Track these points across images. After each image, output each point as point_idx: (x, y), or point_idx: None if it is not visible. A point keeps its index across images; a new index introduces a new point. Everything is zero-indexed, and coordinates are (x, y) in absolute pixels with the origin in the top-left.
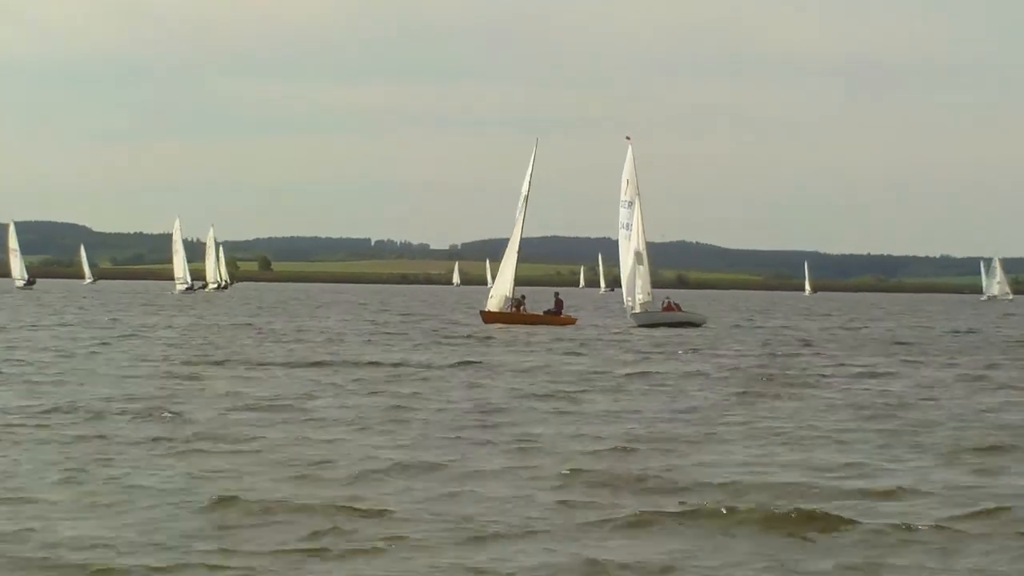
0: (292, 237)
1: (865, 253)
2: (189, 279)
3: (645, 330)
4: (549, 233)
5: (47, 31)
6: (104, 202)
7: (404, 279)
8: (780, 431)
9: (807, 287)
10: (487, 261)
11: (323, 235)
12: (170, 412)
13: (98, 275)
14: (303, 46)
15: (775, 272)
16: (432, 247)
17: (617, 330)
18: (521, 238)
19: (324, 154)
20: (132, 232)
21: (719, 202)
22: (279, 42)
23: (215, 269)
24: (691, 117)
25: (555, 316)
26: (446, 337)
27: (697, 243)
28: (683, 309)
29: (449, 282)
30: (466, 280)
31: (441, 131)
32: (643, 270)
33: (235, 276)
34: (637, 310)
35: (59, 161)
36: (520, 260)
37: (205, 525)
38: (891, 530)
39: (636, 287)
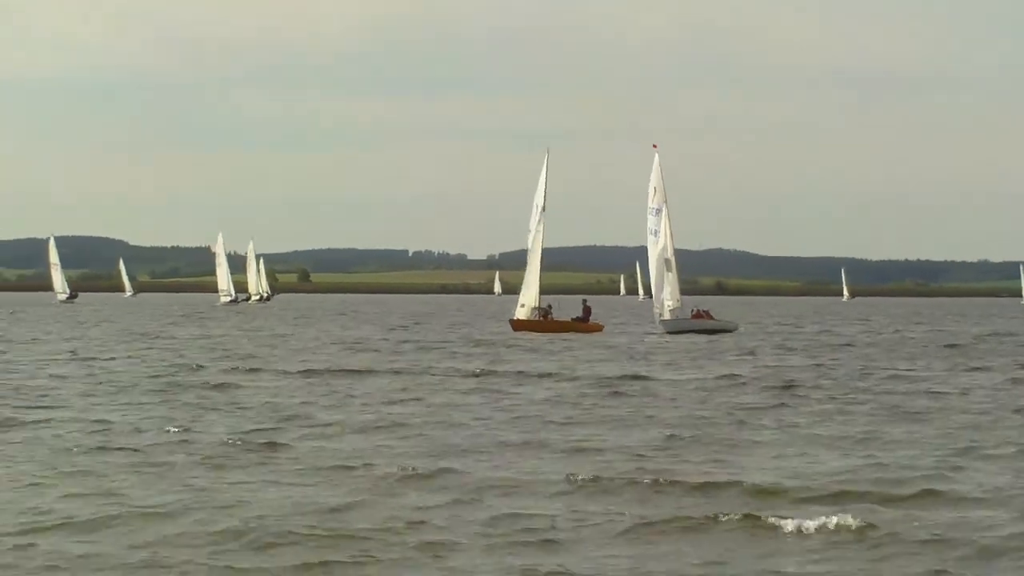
0: (330, 249)
1: (903, 259)
2: (233, 291)
3: (674, 337)
4: (589, 243)
5: (81, 48)
6: (141, 217)
7: (443, 289)
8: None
9: (845, 292)
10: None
11: (361, 247)
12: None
13: (137, 288)
14: (339, 59)
15: (814, 278)
16: (470, 257)
17: (650, 336)
18: (543, 247)
19: (361, 167)
20: (169, 246)
21: (756, 209)
22: (314, 56)
23: (256, 281)
24: (724, 125)
25: (582, 323)
26: (479, 343)
27: (735, 250)
28: (713, 316)
29: (489, 291)
30: (507, 289)
31: (477, 142)
32: (672, 277)
33: (274, 288)
34: (667, 317)
35: (95, 177)
36: (560, 269)
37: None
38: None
39: (665, 293)
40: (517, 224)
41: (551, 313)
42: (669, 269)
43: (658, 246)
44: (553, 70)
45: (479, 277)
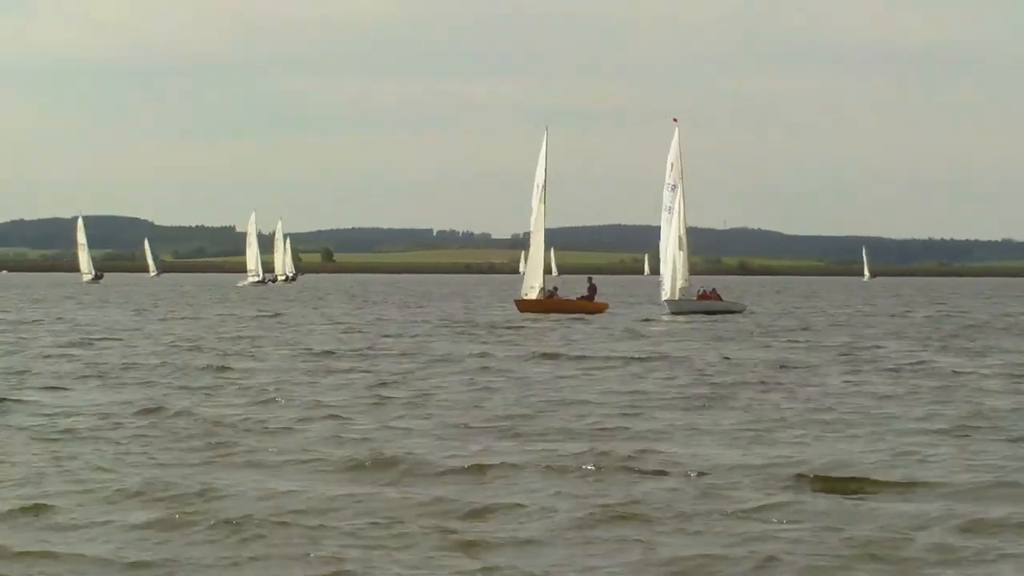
0: (354, 228)
1: (926, 238)
2: (260, 271)
3: (680, 318)
4: (613, 221)
5: (111, 30)
6: (165, 196)
7: (468, 269)
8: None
9: (866, 272)
10: (551, 250)
11: (385, 226)
12: None
13: (162, 268)
14: (362, 43)
15: (838, 258)
16: (494, 236)
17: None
18: (558, 226)
19: (384, 147)
20: (193, 225)
21: (780, 189)
22: (339, 39)
23: (283, 261)
24: (752, 104)
25: (588, 302)
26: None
27: (759, 229)
28: (721, 296)
29: (515, 271)
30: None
31: (499, 121)
32: (682, 255)
33: (299, 268)
34: (673, 296)
35: (121, 157)
36: (583, 249)
37: None
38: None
39: (673, 272)
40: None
41: (556, 293)
42: (680, 248)
43: (672, 223)
44: (582, 50)
45: (503, 256)
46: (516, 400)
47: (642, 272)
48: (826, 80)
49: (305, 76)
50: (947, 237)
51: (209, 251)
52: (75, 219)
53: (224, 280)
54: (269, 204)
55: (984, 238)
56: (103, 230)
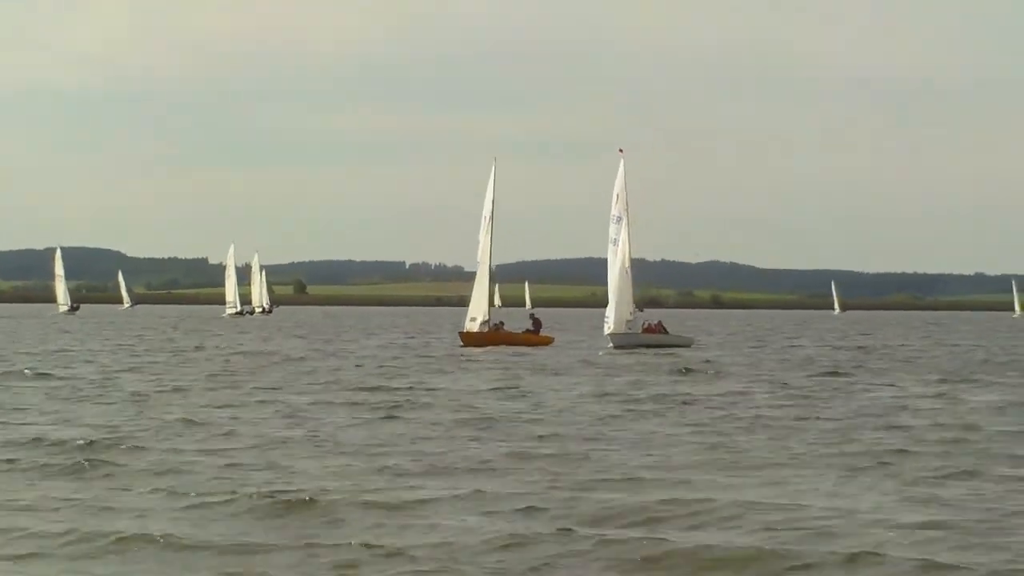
0: (327, 261)
1: (899, 271)
2: (239, 304)
3: (621, 352)
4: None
5: (85, 59)
6: (137, 228)
7: (439, 302)
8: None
9: (836, 306)
10: (526, 283)
11: (358, 258)
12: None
13: (135, 300)
14: (336, 74)
15: (812, 291)
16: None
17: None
18: (491, 261)
19: (357, 180)
20: (166, 257)
21: (752, 222)
22: (313, 70)
23: (260, 293)
24: (721, 137)
25: (533, 335)
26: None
27: (731, 263)
28: (667, 330)
29: (490, 304)
30: (506, 303)
31: (471, 156)
32: (628, 288)
33: (273, 300)
34: (616, 330)
35: (93, 188)
36: (569, 283)
37: None
38: None
39: (617, 307)
40: (513, 236)
41: (502, 327)
42: (624, 280)
43: (617, 255)
44: (559, 82)
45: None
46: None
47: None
48: (799, 113)
49: (278, 108)
50: (919, 271)
51: (183, 283)
52: (48, 250)
53: (203, 312)
54: (242, 236)
55: (956, 272)
56: (75, 261)
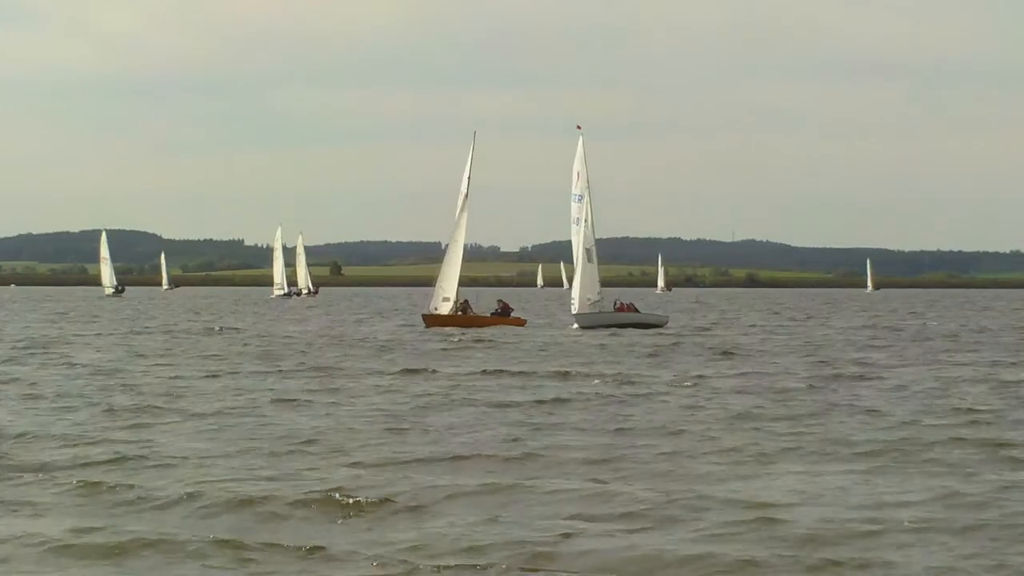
0: (362, 242)
1: (935, 249)
2: (286, 285)
3: (588, 332)
4: (622, 235)
5: (119, 45)
6: (173, 210)
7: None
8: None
9: (869, 284)
10: (561, 263)
11: (393, 239)
12: None
13: (173, 282)
14: (370, 55)
15: (848, 269)
16: (503, 249)
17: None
18: (467, 240)
19: (393, 160)
20: (202, 239)
21: (789, 200)
22: (347, 51)
23: (304, 275)
24: (760, 117)
25: (503, 318)
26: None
27: (767, 241)
28: (638, 310)
29: (526, 284)
30: (548, 282)
31: (508, 135)
32: (592, 268)
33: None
34: (583, 310)
35: (128, 171)
36: (596, 262)
37: None
38: None
39: (583, 285)
40: (549, 216)
41: (470, 308)
42: (589, 260)
43: (580, 235)
44: (591, 62)
45: (510, 269)
46: None
47: (652, 285)
48: (837, 91)
49: (314, 88)
50: (955, 249)
51: (218, 265)
52: (83, 233)
53: (252, 293)
54: (276, 217)
55: (993, 249)
56: (112, 244)
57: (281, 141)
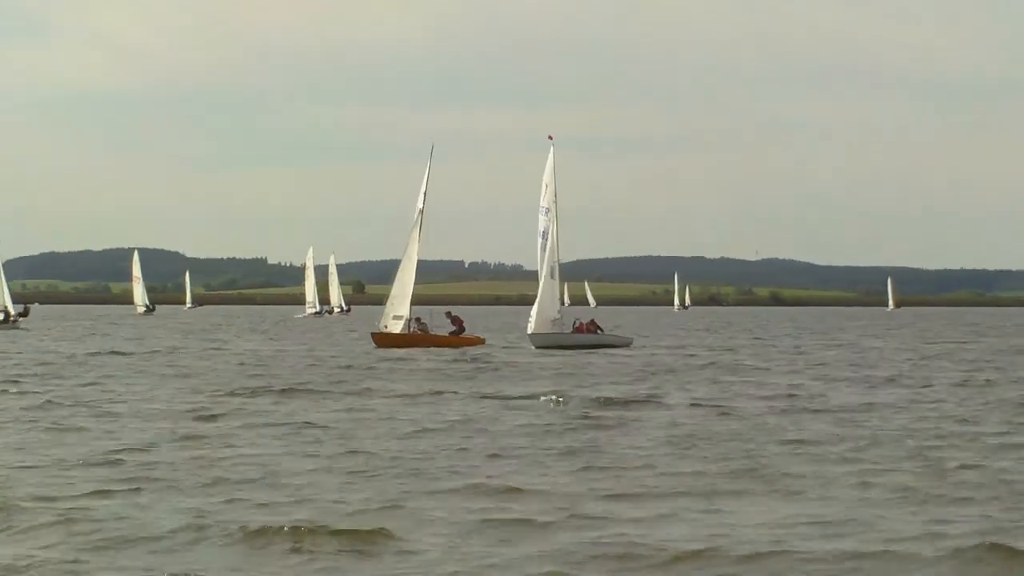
0: (385, 260)
1: (959, 267)
2: (317, 304)
3: (543, 352)
4: (644, 253)
5: (141, 61)
6: (196, 228)
7: (498, 300)
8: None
9: (890, 302)
10: (585, 282)
11: (417, 257)
12: None
13: (196, 301)
14: (391, 72)
15: (871, 287)
16: (526, 268)
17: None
18: (419, 257)
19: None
20: (224, 257)
21: (812, 218)
22: (371, 68)
23: (337, 294)
24: (782, 131)
25: (457, 337)
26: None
27: (791, 260)
28: (601, 329)
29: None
30: (574, 301)
31: (531, 153)
32: (553, 284)
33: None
34: (539, 330)
35: (150, 188)
36: (615, 280)
37: None
38: None
39: (548, 304)
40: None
41: (427, 327)
42: (552, 276)
43: (546, 250)
44: (606, 76)
45: (535, 287)
46: None
47: (672, 303)
48: (862, 106)
49: (333, 105)
50: (979, 267)
51: (241, 283)
52: (106, 251)
53: (284, 311)
54: (300, 235)
55: (1017, 268)
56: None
57: (305, 158)
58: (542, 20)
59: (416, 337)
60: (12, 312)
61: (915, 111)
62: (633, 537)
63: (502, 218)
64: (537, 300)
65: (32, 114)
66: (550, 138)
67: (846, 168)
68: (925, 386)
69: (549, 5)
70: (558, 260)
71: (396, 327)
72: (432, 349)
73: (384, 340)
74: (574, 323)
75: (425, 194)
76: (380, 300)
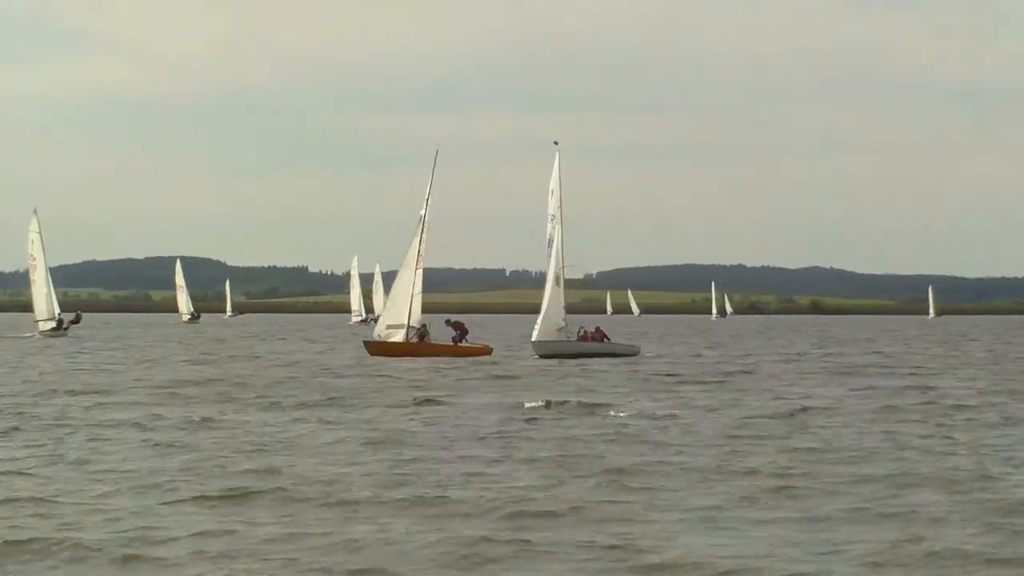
0: (426, 268)
1: (1000, 276)
2: (364, 312)
3: (547, 361)
4: (684, 261)
5: (181, 69)
6: (237, 236)
7: (537, 309)
8: None
9: (931, 311)
10: (628, 291)
11: (457, 266)
12: None
13: (237, 309)
14: (428, 80)
15: (912, 295)
16: (567, 276)
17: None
18: (422, 264)
19: (456, 186)
20: (266, 266)
21: (854, 226)
22: (405, 76)
23: (383, 302)
24: (823, 141)
25: (461, 345)
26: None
27: (831, 268)
28: (607, 337)
29: (600, 311)
30: (617, 309)
31: (571, 160)
32: (559, 292)
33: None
34: (543, 338)
35: (195, 196)
36: (655, 288)
37: None
38: None
39: (553, 312)
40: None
41: (428, 335)
42: (557, 284)
43: (552, 258)
44: (642, 84)
45: (576, 296)
46: None
47: (710, 312)
48: (901, 114)
49: (375, 113)
50: (1019, 275)
51: (282, 291)
52: (147, 259)
53: (331, 320)
54: (340, 243)
55: None
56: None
57: (345, 166)
58: (575, 30)
59: (415, 346)
60: (64, 320)
61: (956, 119)
62: None
63: (542, 226)
64: (544, 308)
65: (72, 123)
66: (555, 143)
67: (885, 176)
68: None
69: (587, 15)
70: (563, 267)
71: (397, 336)
72: (428, 358)
73: (378, 348)
74: (579, 331)
75: (427, 202)
76: (426, 308)
